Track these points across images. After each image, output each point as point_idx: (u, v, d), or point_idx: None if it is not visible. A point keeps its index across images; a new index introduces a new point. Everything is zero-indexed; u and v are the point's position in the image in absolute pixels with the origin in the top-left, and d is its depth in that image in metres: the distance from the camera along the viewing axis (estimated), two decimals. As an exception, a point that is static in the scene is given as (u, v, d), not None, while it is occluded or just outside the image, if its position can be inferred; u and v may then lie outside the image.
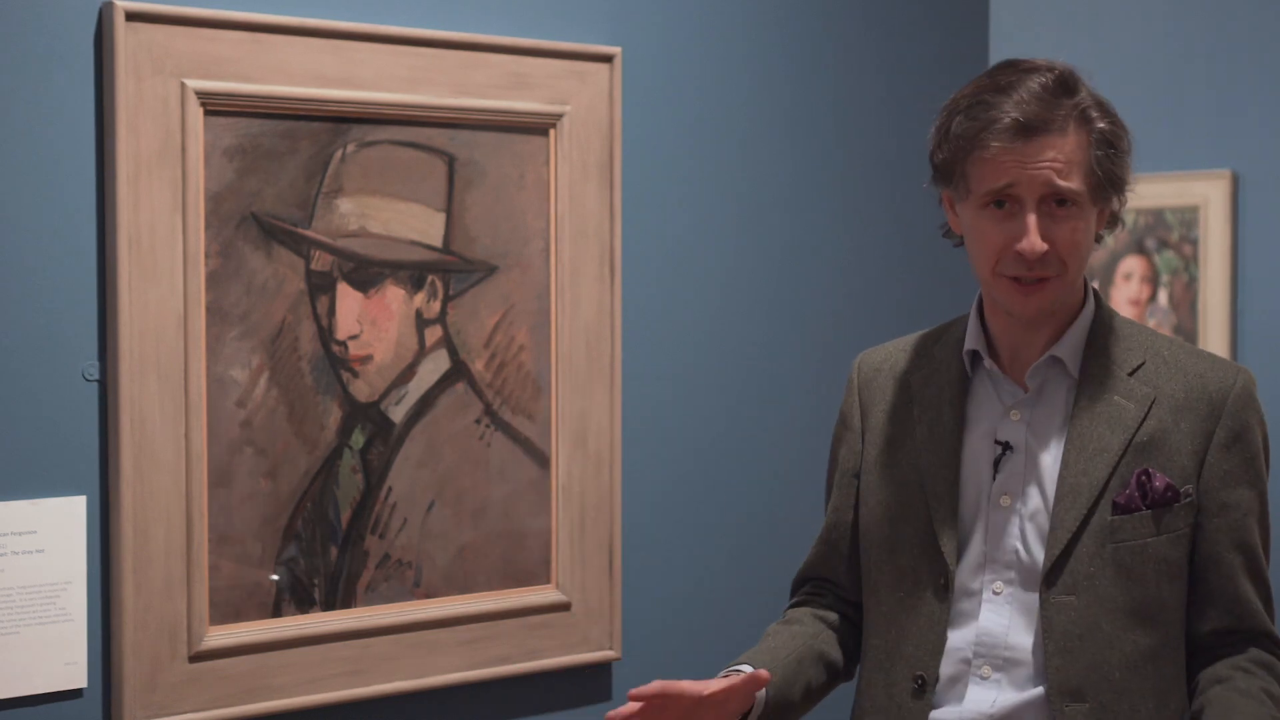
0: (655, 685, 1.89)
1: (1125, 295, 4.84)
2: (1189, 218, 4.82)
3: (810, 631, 2.14)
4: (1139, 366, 2.00)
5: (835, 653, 2.14)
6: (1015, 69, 1.97)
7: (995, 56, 3.51)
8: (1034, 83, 1.93)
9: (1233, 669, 1.97)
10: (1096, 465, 1.97)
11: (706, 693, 1.90)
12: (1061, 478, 1.98)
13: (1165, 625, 1.98)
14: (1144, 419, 1.97)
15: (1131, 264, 4.95)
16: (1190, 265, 4.82)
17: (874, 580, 2.10)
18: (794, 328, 3.01)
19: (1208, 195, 4.77)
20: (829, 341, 3.04)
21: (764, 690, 1.99)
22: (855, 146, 3.07)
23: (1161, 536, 1.96)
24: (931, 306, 3.17)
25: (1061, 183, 1.91)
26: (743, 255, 2.94)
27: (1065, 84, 1.95)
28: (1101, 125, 1.95)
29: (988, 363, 2.04)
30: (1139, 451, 1.97)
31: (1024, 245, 1.91)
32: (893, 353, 2.17)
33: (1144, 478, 1.96)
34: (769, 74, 2.97)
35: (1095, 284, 2.09)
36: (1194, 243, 4.81)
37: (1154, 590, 1.96)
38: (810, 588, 2.23)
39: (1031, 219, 1.91)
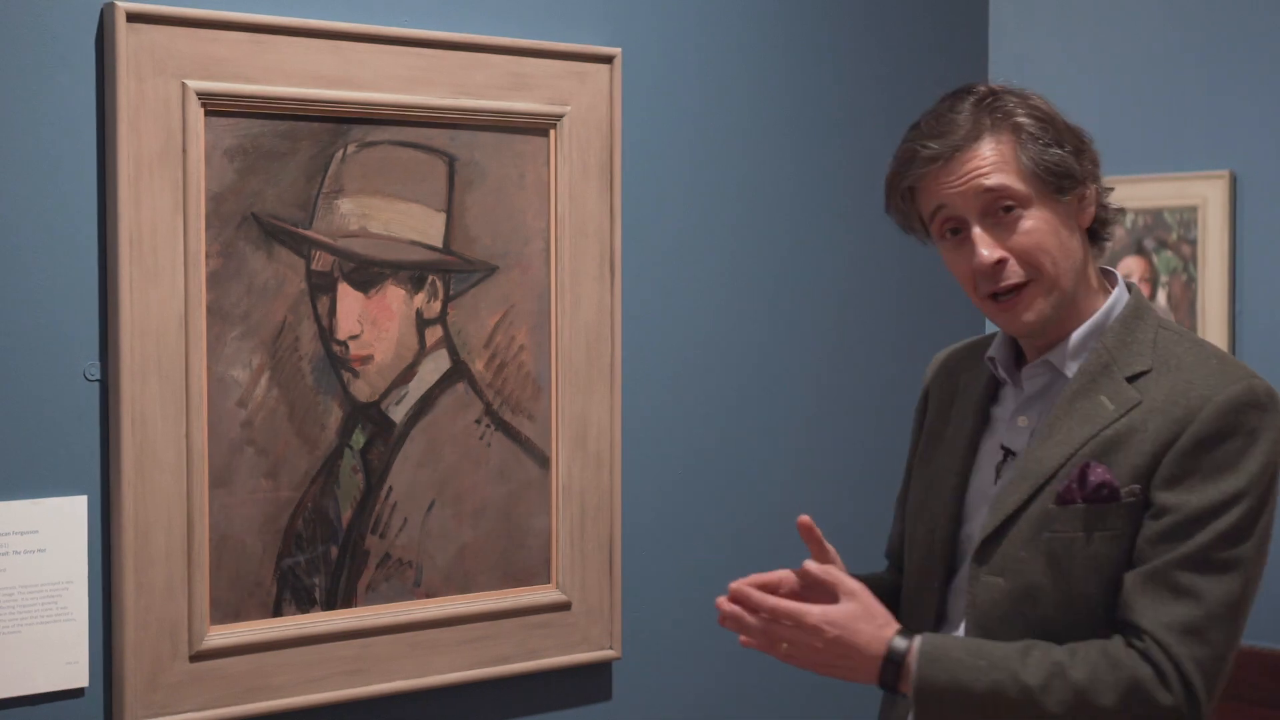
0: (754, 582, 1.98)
1: (1124, 295, 4.83)
2: (1187, 218, 4.82)
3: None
4: (1142, 373, 1.93)
5: None
6: (942, 99, 1.99)
7: (995, 56, 3.52)
8: (944, 107, 1.95)
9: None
10: (1052, 454, 1.93)
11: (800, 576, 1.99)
12: (1019, 465, 1.97)
13: (1091, 620, 1.90)
14: (1118, 419, 1.90)
15: (1130, 264, 4.95)
16: (1189, 265, 4.82)
17: (904, 567, 2.16)
18: (793, 328, 3.01)
19: (1206, 195, 4.77)
20: (828, 341, 3.05)
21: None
22: (855, 146, 3.07)
23: (1093, 534, 1.88)
24: (931, 307, 3.18)
25: (989, 182, 1.91)
26: (743, 255, 2.94)
27: (980, 99, 1.95)
28: (1021, 119, 1.93)
29: (1000, 371, 2.06)
30: (1101, 447, 1.90)
31: (975, 261, 1.93)
32: (961, 351, 2.20)
33: (1085, 470, 1.89)
34: (769, 74, 2.97)
35: (1129, 281, 2.03)
36: (1192, 243, 4.81)
37: (1081, 586, 1.89)
38: (889, 571, 2.28)
39: (976, 232, 1.92)
